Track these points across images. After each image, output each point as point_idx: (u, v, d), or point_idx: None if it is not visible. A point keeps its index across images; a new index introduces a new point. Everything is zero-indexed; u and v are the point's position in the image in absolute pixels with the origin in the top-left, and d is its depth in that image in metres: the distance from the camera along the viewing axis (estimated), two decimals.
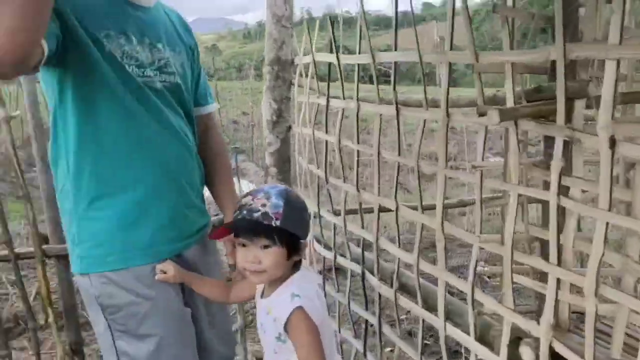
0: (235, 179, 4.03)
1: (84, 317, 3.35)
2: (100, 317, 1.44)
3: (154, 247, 1.45)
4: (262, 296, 1.44)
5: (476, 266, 1.33)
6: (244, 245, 1.34)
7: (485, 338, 1.38)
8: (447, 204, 3.02)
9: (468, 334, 1.39)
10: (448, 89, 1.32)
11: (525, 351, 1.21)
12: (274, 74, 2.34)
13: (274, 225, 1.28)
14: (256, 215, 1.28)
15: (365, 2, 1.58)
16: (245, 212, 1.30)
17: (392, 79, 1.55)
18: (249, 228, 1.31)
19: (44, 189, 2.19)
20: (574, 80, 1.20)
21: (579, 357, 1.08)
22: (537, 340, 1.18)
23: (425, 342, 2.93)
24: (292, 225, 1.31)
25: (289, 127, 2.45)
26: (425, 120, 1.47)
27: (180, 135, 1.50)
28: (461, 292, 1.40)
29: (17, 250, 2.15)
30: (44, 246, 2.17)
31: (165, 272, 1.45)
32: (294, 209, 1.34)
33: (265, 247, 1.31)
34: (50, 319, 2.17)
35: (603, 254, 1.01)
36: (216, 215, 2.07)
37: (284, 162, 2.54)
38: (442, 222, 1.42)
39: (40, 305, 2.21)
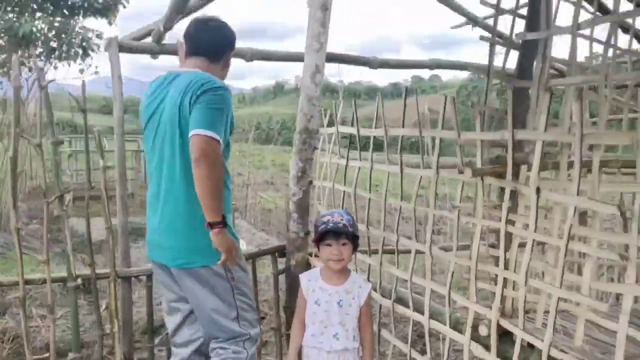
0: None
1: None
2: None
3: None
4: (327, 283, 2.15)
5: (452, 276, 1.94)
6: (329, 245, 2.07)
7: (457, 327, 1.97)
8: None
9: (444, 324, 1.99)
10: (439, 156, 1.99)
11: (482, 329, 1.81)
12: (302, 140, 3.01)
13: (350, 230, 2.07)
14: (340, 225, 2.06)
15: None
16: (331, 224, 2.06)
17: (398, 147, 2.22)
18: (337, 234, 2.06)
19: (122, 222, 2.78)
20: (520, 152, 1.86)
21: (516, 327, 1.68)
22: (489, 321, 1.78)
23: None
24: (356, 230, 2.14)
25: (310, 182, 3.08)
26: (421, 177, 2.11)
27: None
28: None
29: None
30: (117, 268, 2.72)
31: None
32: (355, 221, 2.17)
33: (344, 244, 2.07)
34: (115, 328, 2.66)
35: (530, 259, 1.64)
36: None
37: (303, 209, 3.16)
38: (430, 247, 2.04)
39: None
